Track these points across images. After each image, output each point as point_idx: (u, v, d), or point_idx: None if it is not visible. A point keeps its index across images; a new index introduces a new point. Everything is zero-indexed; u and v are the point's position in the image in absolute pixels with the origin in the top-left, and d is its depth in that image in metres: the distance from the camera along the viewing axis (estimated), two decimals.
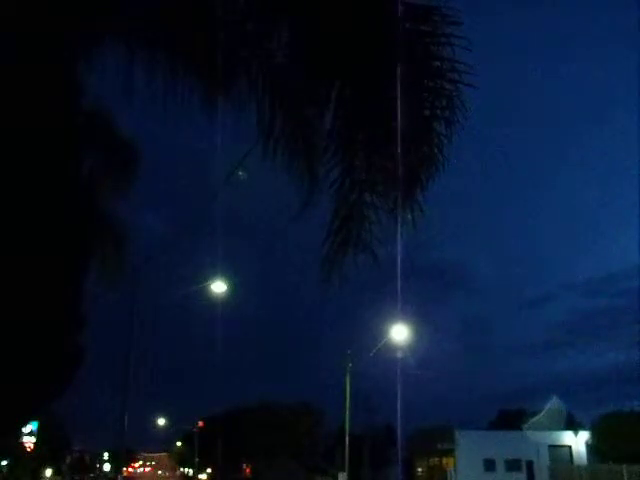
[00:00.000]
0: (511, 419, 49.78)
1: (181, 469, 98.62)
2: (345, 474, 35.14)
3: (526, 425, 44.43)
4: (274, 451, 52.62)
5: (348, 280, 4.26)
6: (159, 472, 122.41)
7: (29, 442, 43.80)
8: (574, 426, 43.55)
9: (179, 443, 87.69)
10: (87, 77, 4.18)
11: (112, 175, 6.18)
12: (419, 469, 48.62)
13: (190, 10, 3.97)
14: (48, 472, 60.76)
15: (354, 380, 35.23)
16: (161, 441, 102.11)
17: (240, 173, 6.46)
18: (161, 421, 68.41)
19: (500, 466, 40.83)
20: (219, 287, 20.69)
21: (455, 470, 41.19)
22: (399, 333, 29.49)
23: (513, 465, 40.89)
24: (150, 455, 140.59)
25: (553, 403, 45.96)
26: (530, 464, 40.91)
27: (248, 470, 61.55)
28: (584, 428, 42.67)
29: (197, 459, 63.40)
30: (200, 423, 61.73)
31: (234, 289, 21.67)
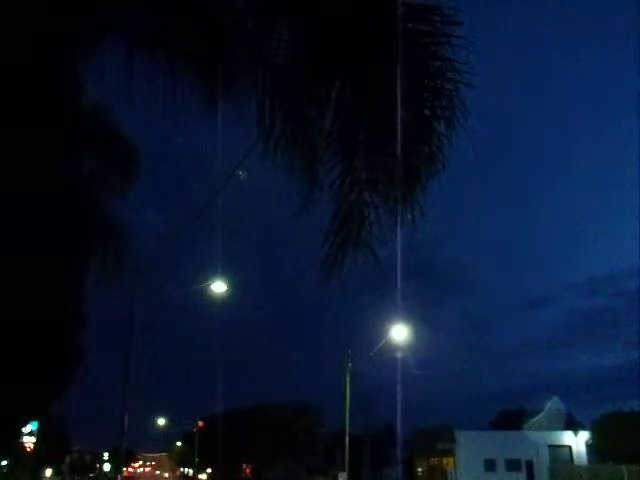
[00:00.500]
0: (511, 419, 49.79)
1: (181, 469, 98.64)
2: (345, 474, 35.13)
3: (526, 425, 44.45)
4: (274, 451, 52.62)
5: (348, 280, 4.27)
6: (157, 472, 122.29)
7: (29, 442, 43.76)
8: (574, 426, 43.55)
9: (179, 443, 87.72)
10: (87, 77, 4.18)
11: (112, 175, 6.18)
12: (419, 469, 48.60)
13: (190, 10, 3.97)
14: (48, 472, 60.74)
15: (354, 380, 35.25)
16: (161, 441, 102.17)
17: (240, 173, 6.46)
18: (161, 421, 68.41)
19: (500, 466, 40.82)
20: (219, 287, 20.67)
21: (455, 470, 41.18)
22: (399, 333, 29.46)
23: (513, 465, 40.88)
24: (150, 455, 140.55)
25: (553, 403, 45.97)
26: (530, 464, 40.91)
27: (248, 470, 61.57)
28: (584, 428, 42.68)
29: (197, 459, 63.37)
30: (200, 423, 61.72)
31: (234, 289, 21.66)
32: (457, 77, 3.95)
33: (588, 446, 41.78)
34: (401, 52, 3.83)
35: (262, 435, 51.67)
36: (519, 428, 44.01)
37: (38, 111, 3.75)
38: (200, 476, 70.84)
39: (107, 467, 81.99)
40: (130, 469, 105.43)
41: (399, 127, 3.90)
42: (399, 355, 29.60)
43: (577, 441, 42.35)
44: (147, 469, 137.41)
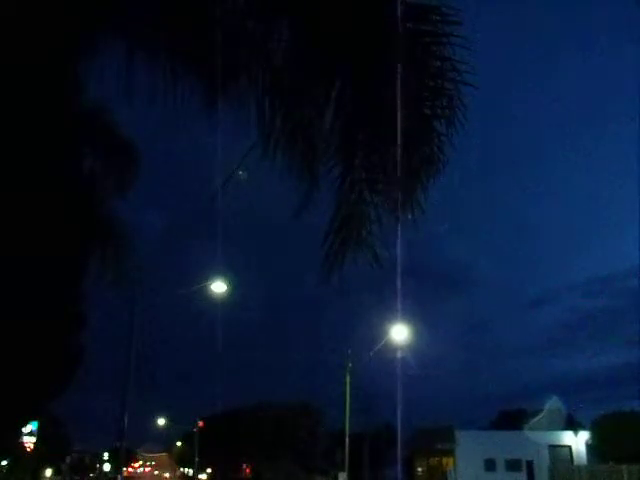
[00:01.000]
0: (511, 419, 49.75)
1: (181, 469, 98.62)
2: (345, 474, 35.16)
3: (526, 425, 44.43)
4: (274, 451, 52.61)
5: (348, 279, 4.27)
6: (155, 472, 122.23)
7: (29, 442, 43.78)
8: (574, 426, 43.54)
9: (179, 443, 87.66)
10: (87, 77, 4.18)
11: (112, 175, 6.18)
12: (419, 469, 48.58)
13: (190, 10, 3.97)
14: (48, 472, 60.73)
15: (354, 380, 35.26)
16: (161, 441, 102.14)
17: (240, 173, 6.46)
18: (161, 421, 68.32)
19: (500, 466, 40.82)
20: (219, 287, 20.68)
21: (455, 470, 41.18)
22: (399, 333, 29.47)
23: (513, 465, 40.87)
24: (150, 455, 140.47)
25: (553, 403, 45.96)
26: (530, 464, 40.90)
27: (248, 470, 61.54)
28: (584, 428, 42.67)
29: (197, 459, 63.35)
30: (200, 423, 61.66)
31: (234, 289, 21.67)
32: (457, 77, 3.95)
33: (588, 446, 41.76)
34: (401, 52, 3.83)
35: (262, 435, 51.67)
36: (519, 428, 43.99)
37: (38, 111, 3.75)
38: (200, 476, 70.82)
39: (107, 467, 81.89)
40: (130, 469, 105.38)
41: (399, 127, 3.90)
42: (399, 355, 29.62)
43: (577, 441, 42.34)
44: (147, 469, 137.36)
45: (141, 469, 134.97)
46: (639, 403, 39.98)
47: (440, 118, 4.09)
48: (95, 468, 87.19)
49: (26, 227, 3.80)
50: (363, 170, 4.23)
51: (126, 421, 18.44)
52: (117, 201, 6.58)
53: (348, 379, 34.61)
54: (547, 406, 45.77)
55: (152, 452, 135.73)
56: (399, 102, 3.84)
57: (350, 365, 34.67)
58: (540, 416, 45.30)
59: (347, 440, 34.11)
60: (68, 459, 70.78)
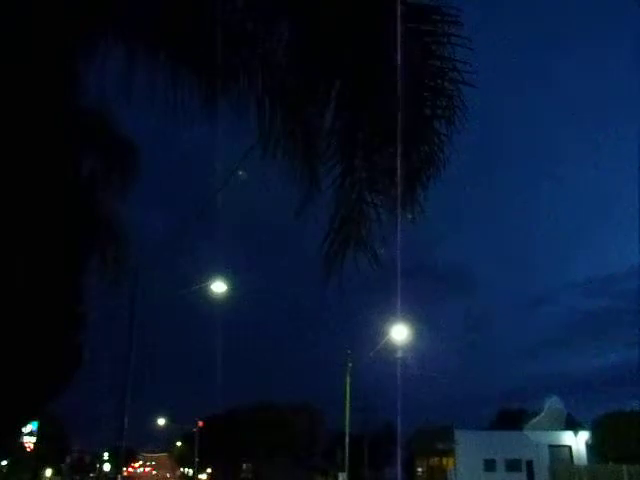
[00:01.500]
0: (511, 419, 49.76)
1: (181, 469, 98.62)
2: (345, 474, 35.16)
3: (526, 425, 44.43)
4: (274, 451, 52.64)
5: (348, 279, 4.26)
6: (154, 472, 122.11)
7: (29, 442, 43.80)
8: (574, 426, 43.55)
9: (179, 443, 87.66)
10: (87, 77, 4.18)
11: (112, 175, 6.17)
12: (419, 469, 48.61)
13: (190, 10, 3.97)
14: (48, 472, 60.77)
15: (354, 380, 35.26)
16: (161, 441, 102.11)
17: (240, 173, 6.46)
18: (161, 421, 68.32)
19: (500, 466, 40.85)
20: (219, 287, 20.68)
21: (455, 470, 41.19)
22: (399, 333, 29.47)
23: (513, 465, 40.91)
24: (150, 455, 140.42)
25: (553, 403, 45.96)
26: (530, 464, 40.92)
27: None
28: (584, 428, 42.68)
29: (197, 459, 63.36)
30: (200, 423, 61.68)
31: (234, 289, 21.66)
32: (457, 77, 3.95)
33: (588, 446, 41.78)
34: (401, 52, 3.83)
35: (262, 435, 51.71)
36: (519, 428, 44.00)
37: (38, 111, 3.75)
38: (200, 476, 70.83)
39: (107, 467, 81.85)
40: (130, 469, 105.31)
41: (399, 127, 3.90)
42: (399, 355, 29.63)
43: (577, 441, 42.37)
44: (147, 469, 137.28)
45: (141, 469, 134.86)
46: (639, 403, 39.96)
47: (440, 118, 4.09)
48: (95, 468, 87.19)
49: (26, 227, 3.80)
50: (363, 170, 4.23)
51: (126, 421, 18.43)
52: (117, 201, 6.58)
53: (348, 379, 34.61)
54: (547, 406, 45.76)
55: (152, 452, 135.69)
56: (399, 102, 3.84)
57: (350, 365, 34.68)
58: (540, 416, 45.30)
59: (347, 440, 34.11)
60: (68, 459, 70.81)
